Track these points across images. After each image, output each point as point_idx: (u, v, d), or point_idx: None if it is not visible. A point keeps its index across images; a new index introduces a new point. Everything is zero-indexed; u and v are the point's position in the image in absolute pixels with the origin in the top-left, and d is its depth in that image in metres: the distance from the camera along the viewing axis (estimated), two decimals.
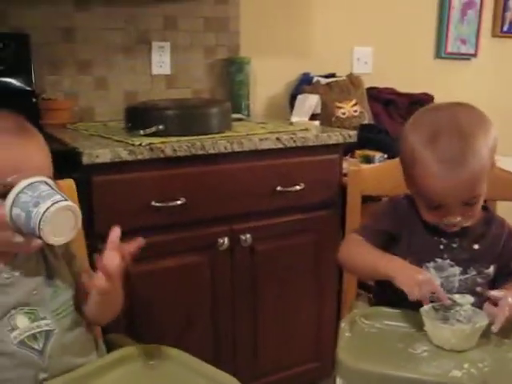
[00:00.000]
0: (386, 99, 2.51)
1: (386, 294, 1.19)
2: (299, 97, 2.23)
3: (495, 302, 1.08)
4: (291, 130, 1.86)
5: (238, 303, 1.79)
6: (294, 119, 2.15)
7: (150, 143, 1.56)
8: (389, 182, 1.47)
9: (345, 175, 1.92)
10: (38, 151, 0.96)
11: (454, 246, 1.19)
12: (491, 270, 1.21)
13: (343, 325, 1.12)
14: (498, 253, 1.21)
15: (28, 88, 1.90)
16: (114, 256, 0.94)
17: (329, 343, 1.98)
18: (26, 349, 0.93)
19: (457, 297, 1.12)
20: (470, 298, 1.11)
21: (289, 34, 2.44)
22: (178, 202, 1.59)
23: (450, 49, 2.87)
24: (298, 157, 1.78)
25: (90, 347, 1.04)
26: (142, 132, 1.66)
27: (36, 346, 0.94)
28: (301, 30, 2.48)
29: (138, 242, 0.97)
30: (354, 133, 1.88)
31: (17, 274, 0.97)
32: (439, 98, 2.47)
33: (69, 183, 1.26)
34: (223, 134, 1.71)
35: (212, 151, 1.62)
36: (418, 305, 1.09)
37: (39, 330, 0.95)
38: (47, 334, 0.96)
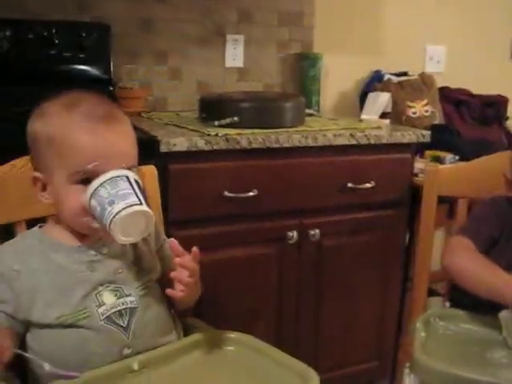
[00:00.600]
0: (459, 100, 2.45)
1: (463, 295, 1.18)
2: (370, 94, 2.21)
3: None
4: (364, 127, 1.85)
5: (303, 297, 1.79)
6: (363, 117, 2.14)
7: (226, 134, 1.58)
8: (467, 183, 1.45)
9: (415, 175, 1.90)
10: (123, 139, 0.96)
11: None
12: None
13: (418, 324, 1.12)
14: None
15: (106, 76, 1.96)
16: (184, 271, 0.98)
17: (390, 342, 1.97)
18: (112, 325, 0.96)
19: None
20: None
21: (361, 30, 2.43)
22: (250, 194, 1.61)
23: None
24: (371, 154, 1.77)
25: (169, 327, 1.06)
26: (216, 123, 1.68)
27: (121, 323, 0.97)
28: (373, 27, 2.45)
29: (195, 252, 0.99)
30: (427, 133, 1.86)
31: (105, 251, 1.00)
32: None
33: (150, 169, 1.28)
34: (297, 129, 1.72)
35: (286, 145, 1.63)
36: (495, 309, 1.08)
37: (124, 306, 0.98)
38: (132, 311, 0.98)
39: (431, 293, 1.59)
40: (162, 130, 1.68)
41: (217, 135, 1.57)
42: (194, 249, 1.00)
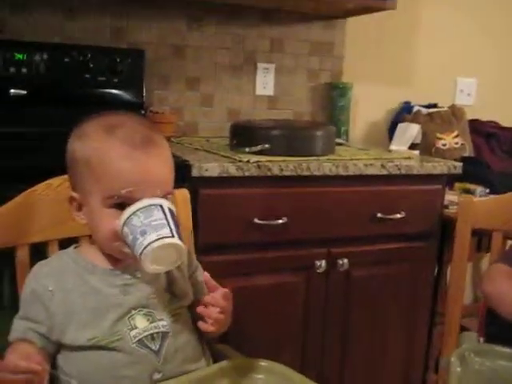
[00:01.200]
0: (489, 132, 2.44)
1: (499, 331, 1.15)
2: (400, 125, 2.21)
3: None
4: (394, 157, 1.84)
5: (329, 327, 1.77)
6: (393, 147, 2.14)
7: (258, 161, 1.58)
8: (500, 216, 1.43)
9: (445, 207, 1.88)
10: (160, 164, 0.95)
11: None
12: None
13: (453, 359, 1.09)
14: None
15: (138, 100, 1.99)
16: (215, 308, 0.98)
17: (417, 378, 1.93)
18: (144, 348, 0.95)
19: None
20: None
21: (392, 61, 2.44)
22: (280, 221, 1.60)
23: None
24: (401, 185, 1.76)
25: (199, 354, 1.05)
26: (247, 149, 1.68)
27: (153, 346, 0.96)
28: (404, 58, 2.46)
29: (226, 293, 0.99)
30: (459, 164, 1.84)
31: (138, 275, 0.99)
32: None
33: (183, 193, 1.28)
34: (327, 157, 1.72)
35: (317, 173, 1.63)
36: None
37: (157, 330, 0.97)
38: (164, 335, 0.97)
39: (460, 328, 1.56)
40: (193, 154, 1.69)
41: (248, 162, 1.57)
42: (226, 290, 0.99)
